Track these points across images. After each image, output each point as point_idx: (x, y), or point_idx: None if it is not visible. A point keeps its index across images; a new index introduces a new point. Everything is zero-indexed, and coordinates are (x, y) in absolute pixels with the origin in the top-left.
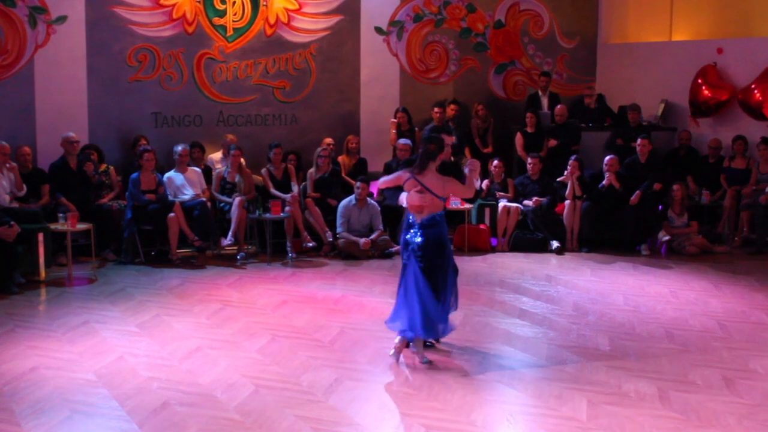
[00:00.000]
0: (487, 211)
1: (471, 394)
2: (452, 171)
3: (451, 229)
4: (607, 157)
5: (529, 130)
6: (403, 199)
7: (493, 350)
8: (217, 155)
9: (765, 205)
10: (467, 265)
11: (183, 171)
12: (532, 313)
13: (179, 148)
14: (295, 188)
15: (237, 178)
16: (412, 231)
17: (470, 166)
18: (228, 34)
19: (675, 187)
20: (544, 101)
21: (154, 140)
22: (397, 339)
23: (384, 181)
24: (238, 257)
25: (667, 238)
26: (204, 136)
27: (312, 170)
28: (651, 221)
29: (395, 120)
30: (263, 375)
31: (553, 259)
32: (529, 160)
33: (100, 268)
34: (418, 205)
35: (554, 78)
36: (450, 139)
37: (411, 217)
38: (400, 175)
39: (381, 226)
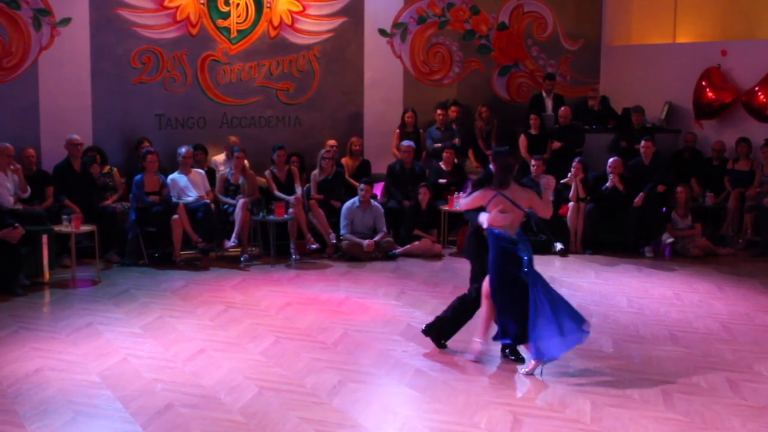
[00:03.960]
0: None
1: (474, 396)
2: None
3: (454, 231)
4: (611, 159)
5: (532, 132)
6: (485, 219)
7: (496, 352)
8: (220, 157)
9: None
10: None
11: (187, 173)
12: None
13: (183, 149)
14: (299, 190)
15: (240, 180)
16: (519, 247)
17: (545, 184)
18: (232, 36)
19: (679, 189)
20: (548, 103)
21: (158, 142)
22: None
23: (466, 204)
24: (242, 259)
25: (670, 240)
26: (207, 137)
27: (315, 172)
28: (655, 223)
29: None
30: (267, 377)
31: (556, 261)
32: (533, 162)
33: (103, 270)
34: (503, 224)
35: (558, 80)
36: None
37: (501, 233)
38: (482, 195)
39: (384, 228)
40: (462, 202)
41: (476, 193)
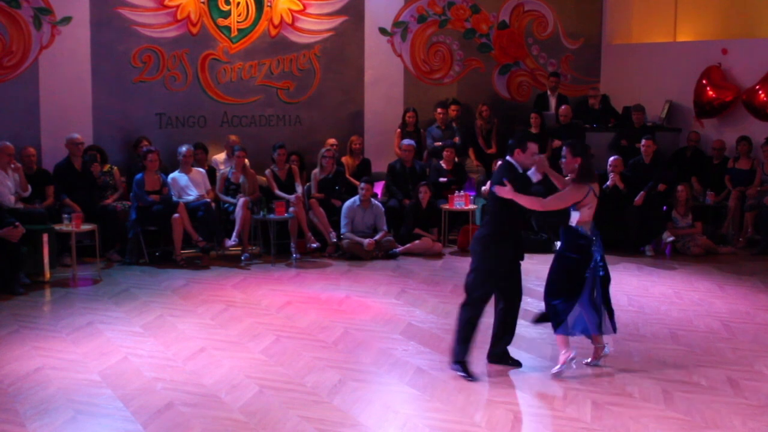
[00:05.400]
0: None
1: (475, 394)
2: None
3: (455, 230)
4: (611, 158)
5: (533, 130)
6: (576, 218)
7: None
8: (220, 156)
9: None
10: None
11: (187, 172)
12: (536, 313)
13: (183, 149)
14: (299, 189)
15: (241, 179)
16: (596, 245)
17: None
18: (232, 35)
19: (679, 187)
20: (552, 101)
21: (158, 141)
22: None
23: (560, 203)
24: (242, 258)
25: (671, 238)
26: (208, 136)
27: (316, 171)
28: (655, 222)
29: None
30: (267, 376)
31: None
32: None
33: (104, 269)
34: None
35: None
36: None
37: (582, 230)
38: (577, 191)
39: (385, 227)
40: (550, 202)
41: (569, 191)
